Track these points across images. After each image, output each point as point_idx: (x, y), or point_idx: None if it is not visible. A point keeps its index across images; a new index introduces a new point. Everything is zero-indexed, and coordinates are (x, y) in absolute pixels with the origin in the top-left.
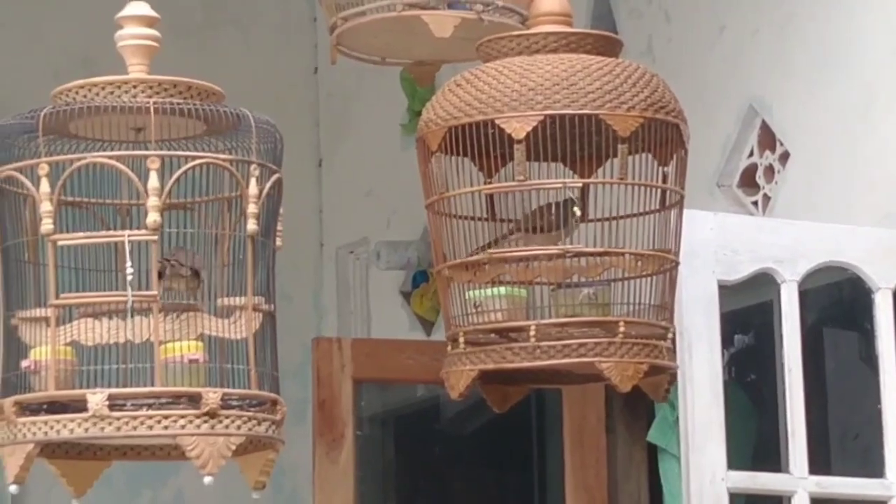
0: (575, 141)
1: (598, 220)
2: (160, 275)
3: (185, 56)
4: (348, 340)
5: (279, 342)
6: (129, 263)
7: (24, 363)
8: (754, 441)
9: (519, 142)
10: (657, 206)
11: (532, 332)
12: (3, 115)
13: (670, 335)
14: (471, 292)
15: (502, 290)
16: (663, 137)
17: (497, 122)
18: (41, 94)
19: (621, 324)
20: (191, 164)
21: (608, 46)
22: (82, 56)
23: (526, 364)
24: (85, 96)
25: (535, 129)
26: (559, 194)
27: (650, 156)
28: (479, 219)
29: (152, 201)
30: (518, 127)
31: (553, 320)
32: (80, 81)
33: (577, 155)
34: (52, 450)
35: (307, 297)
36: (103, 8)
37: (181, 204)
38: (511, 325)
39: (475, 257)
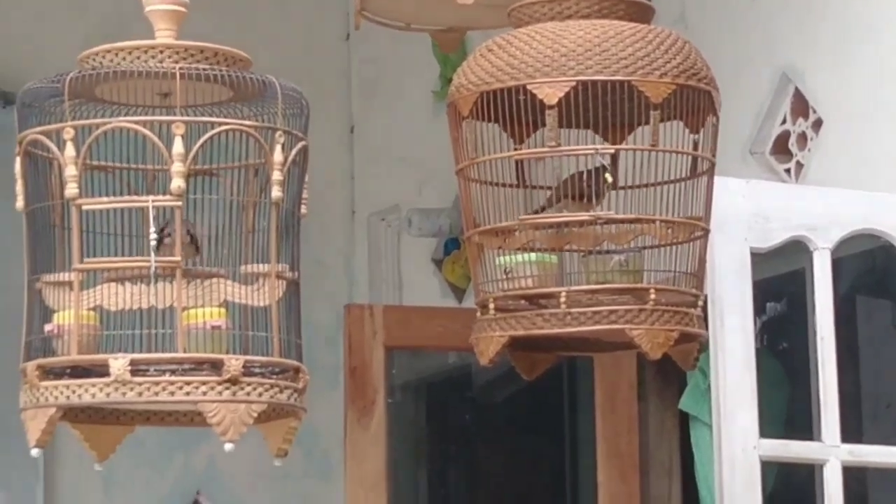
0: (606, 107)
1: (629, 187)
2: (158, 243)
3: (216, 23)
4: (380, 307)
5: (311, 308)
6: (153, 228)
7: (47, 327)
8: (786, 409)
9: (551, 107)
10: (688, 174)
11: (563, 299)
12: (33, 79)
13: (700, 303)
14: (501, 258)
15: (533, 256)
16: (695, 105)
17: (529, 87)
18: (70, 58)
19: (652, 291)
20: (215, 130)
21: (640, 13)
22: (114, 21)
23: (556, 331)
24: (111, 61)
25: (566, 95)
26: (589, 161)
27: (681, 123)
28: (510, 185)
29: (177, 167)
30: (550, 92)
31: (584, 287)
32: (107, 46)
33: (609, 122)
34: (74, 414)
35: (339, 263)
36: None
37: (206, 170)
38: (542, 291)
39: (506, 224)
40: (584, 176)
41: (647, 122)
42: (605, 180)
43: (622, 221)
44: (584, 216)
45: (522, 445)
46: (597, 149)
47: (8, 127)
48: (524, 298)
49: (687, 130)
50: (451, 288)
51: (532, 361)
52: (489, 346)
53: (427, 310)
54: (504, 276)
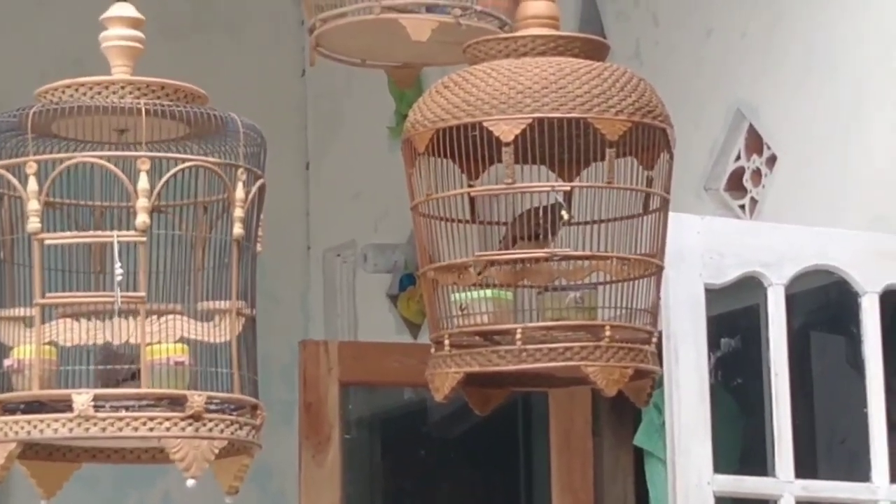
0: (562, 144)
1: (584, 223)
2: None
3: (173, 58)
4: (335, 343)
5: (267, 344)
6: (118, 264)
7: (6, 362)
8: (741, 445)
9: (507, 145)
10: (641, 210)
11: (518, 335)
12: None
13: (654, 339)
14: (456, 294)
15: (488, 292)
16: (649, 142)
17: (485, 124)
18: (27, 93)
19: (607, 328)
20: (180, 166)
21: (596, 50)
22: (70, 56)
23: (511, 367)
24: (71, 96)
25: (522, 131)
26: (543, 198)
27: (635, 159)
28: (464, 221)
29: (142, 202)
30: (506, 130)
31: (539, 324)
32: (67, 81)
33: (565, 158)
34: (24, 451)
35: (294, 299)
36: (91, 8)
37: (161, 207)
38: (497, 327)
39: (460, 260)
40: (539, 213)
41: (601, 159)
42: (560, 217)
43: (577, 258)
44: (539, 253)
45: (478, 481)
46: (553, 186)
47: None
48: (479, 335)
49: (641, 167)
50: (406, 324)
51: (485, 397)
52: (444, 383)
53: (382, 345)
54: (459, 313)
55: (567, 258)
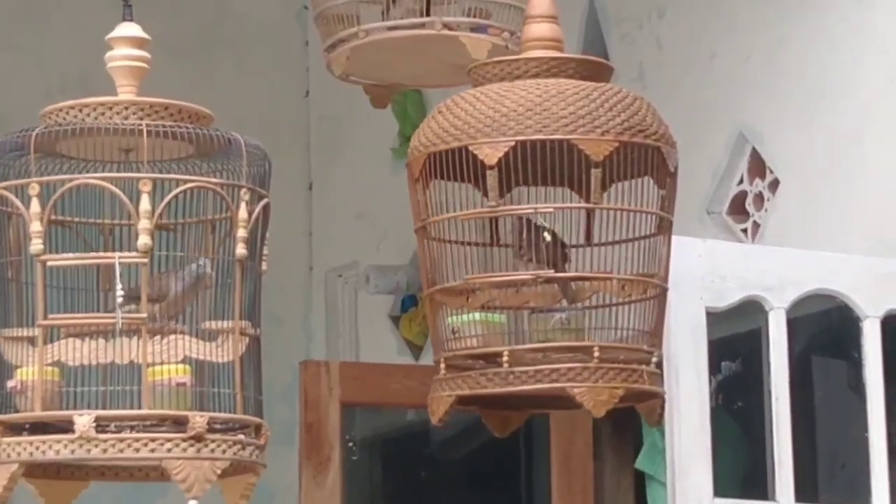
0: (553, 166)
1: (581, 245)
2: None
3: (178, 78)
4: (336, 364)
5: (268, 364)
6: (119, 286)
7: (9, 383)
8: (741, 468)
9: (491, 168)
10: (651, 231)
11: (505, 358)
12: None
13: (654, 359)
14: (450, 318)
15: (477, 315)
16: (644, 161)
17: (471, 148)
18: (33, 113)
19: (596, 349)
20: (183, 187)
21: (594, 71)
22: (75, 74)
23: (499, 390)
24: (76, 116)
25: (507, 155)
26: (549, 220)
27: (646, 179)
28: (466, 243)
29: (143, 224)
30: (490, 153)
31: (527, 346)
32: (71, 102)
33: (557, 180)
34: (31, 469)
35: (296, 319)
36: (95, 26)
37: (165, 225)
38: (485, 350)
39: (452, 284)
40: (523, 230)
41: (615, 181)
42: (543, 238)
43: (572, 279)
44: (525, 275)
45: (479, 503)
46: (535, 208)
47: None
48: (473, 358)
49: (655, 188)
50: (407, 345)
51: (504, 419)
52: (439, 406)
53: (383, 367)
54: (451, 336)
55: (551, 280)
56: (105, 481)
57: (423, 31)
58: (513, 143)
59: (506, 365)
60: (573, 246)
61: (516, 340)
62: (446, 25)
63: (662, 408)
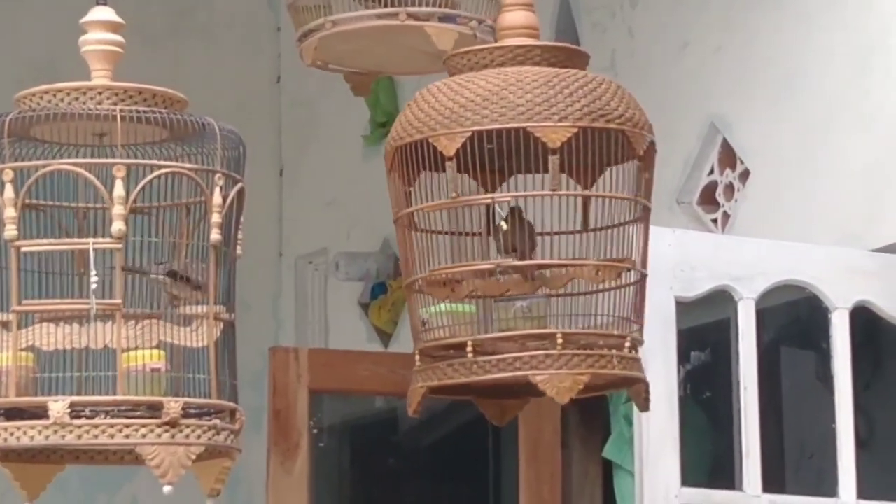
0: (515, 154)
1: (556, 233)
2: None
3: (149, 63)
4: (305, 350)
5: (237, 350)
6: (93, 272)
7: None
8: (709, 458)
9: (450, 159)
10: (632, 218)
11: (469, 348)
12: None
13: (627, 344)
14: (421, 309)
15: (443, 306)
16: (608, 146)
17: (430, 140)
18: (4, 98)
19: (559, 336)
20: (157, 172)
21: (563, 57)
22: (45, 62)
23: (464, 380)
24: (49, 101)
25: (464, 145)
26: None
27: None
28: (443, 233)
29: (117, 209)
30: (447, 144)
31: (490, 335)
32: (45, 87)
33: (515, 169)
34: (5, 454)
35: (265, 306)
36: (67, 13)
37: (140, 208)
38: (450, 341)
39: (422, 275)
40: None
41: (562, 168)
42: (498, 227)
43: (542, 267)
44: (486, 265)
45: (446, 491)
46: (493, 197)
47: None
48: (448, 348)
49: (633, 173)
50: (377, 332)
51: (501, 408)
52: (413, 398)
53: (352, 354)
54: (422, 327)
55: (515, 269)
56: (80, 464)
57: (389, 21)
58: (469, 134)
59: (470, 355)
60: (557, 233)
61: (484, 330)
62: (411, 15)
63: (647, 391)
